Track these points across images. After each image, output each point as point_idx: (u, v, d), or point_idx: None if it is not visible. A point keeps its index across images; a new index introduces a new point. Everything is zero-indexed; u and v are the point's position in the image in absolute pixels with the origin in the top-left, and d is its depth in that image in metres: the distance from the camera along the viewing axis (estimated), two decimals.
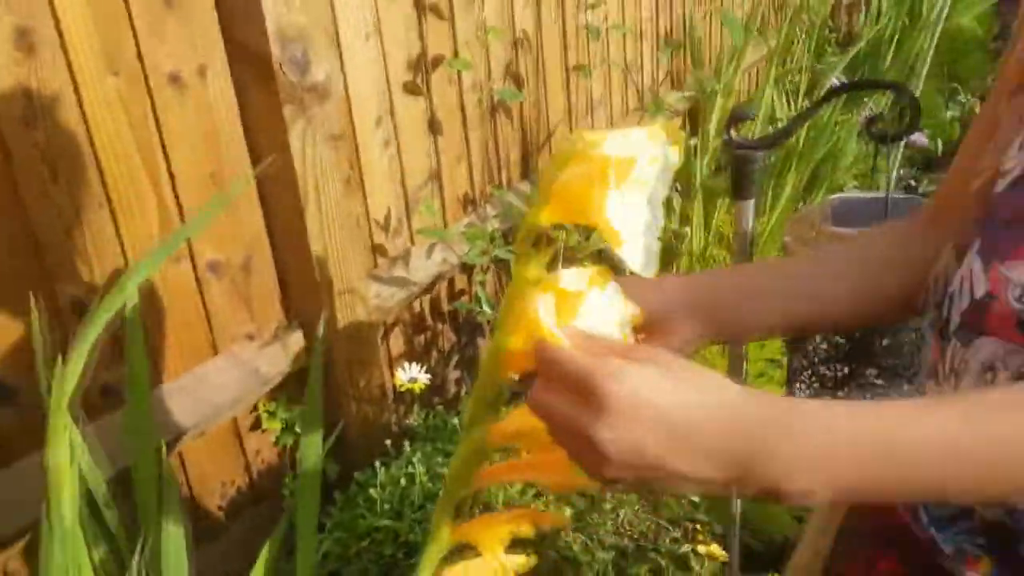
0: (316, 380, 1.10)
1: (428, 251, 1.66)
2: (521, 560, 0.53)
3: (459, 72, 1.68)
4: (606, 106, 2.33)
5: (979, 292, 0.52)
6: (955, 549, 0.56)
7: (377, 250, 1.57)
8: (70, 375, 0.85)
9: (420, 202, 1.63)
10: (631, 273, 0.46)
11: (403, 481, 1.33)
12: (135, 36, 1.10)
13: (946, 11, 2.06)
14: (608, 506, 1.30)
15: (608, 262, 0.51)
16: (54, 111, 1.03)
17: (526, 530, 0.52)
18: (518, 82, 1.91)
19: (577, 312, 0.45)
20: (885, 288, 0.63)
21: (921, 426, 0.42)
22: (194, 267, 1.23)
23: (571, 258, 1.61)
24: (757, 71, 3.18)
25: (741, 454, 0.41)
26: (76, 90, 1.05)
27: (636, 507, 1.30)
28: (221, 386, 1.26)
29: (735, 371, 1.26)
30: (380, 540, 1.26)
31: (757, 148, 0.98)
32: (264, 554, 1.04)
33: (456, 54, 1.68)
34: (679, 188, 2.19)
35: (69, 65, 1.03)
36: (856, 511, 0.67)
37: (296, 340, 1.39)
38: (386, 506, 1.28)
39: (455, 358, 1.84)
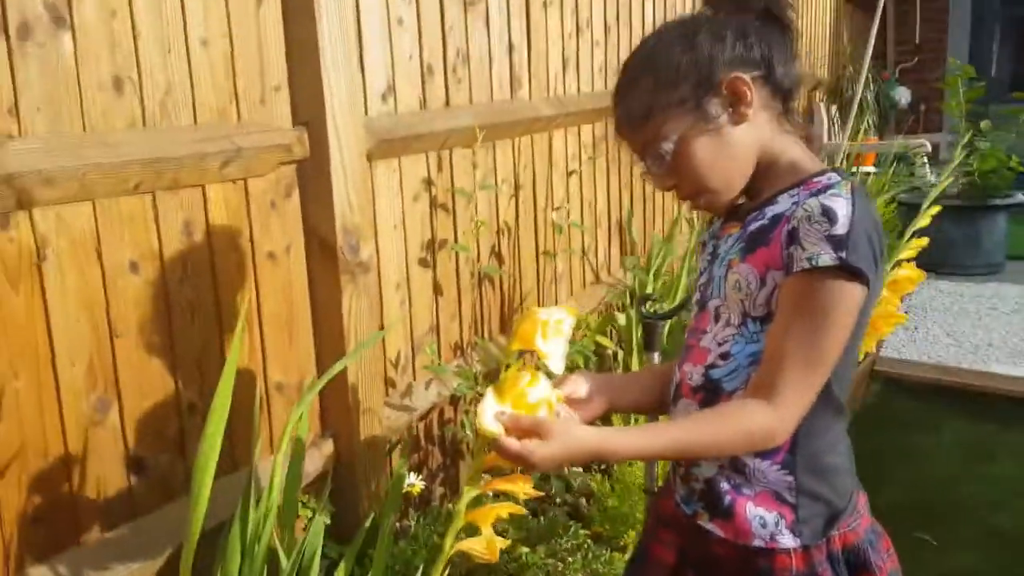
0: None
1: (426, 384, 2.16)
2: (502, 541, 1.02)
3: (457, 252, 2.25)
4: (567, 280, 2.91)
5: (676, 380, 1.10)
6: (692, 512, 1.09)
7: (389, 382, 2.06)
8: (208, 457, 1.30)
9: (423, 347, 2.15)
10: (553, 374, 1.00)
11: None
12: (251, 227, 1.65)
13: None
14: None
15: (544, 369, 1.03)
16: (198, 273, 1.55)
17: (504, 511, 1.00)
18: (500, 260, 2.49)
19: (536, 381, 0.97)
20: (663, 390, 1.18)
21: (663, 440, 0.97)
22: (265, 386, 1.72)
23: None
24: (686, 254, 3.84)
25: (587, 457, 0.95)
26: (212, 259, 1.58)
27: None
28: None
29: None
30: None
31: (659, 319, 1.53)
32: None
33: (456, 239, 2.25)
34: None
35: (210, 243, 1.57)
36: (651, 505, 1.19)
37: (328, 447, 1.85)
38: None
39: (440, 475, 2.28)
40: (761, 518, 1.03)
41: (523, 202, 2.58)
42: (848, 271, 0.94)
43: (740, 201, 1.11)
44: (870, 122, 6.51)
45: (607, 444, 0.95)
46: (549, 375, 1.01)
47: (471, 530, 1.09)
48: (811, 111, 5.65)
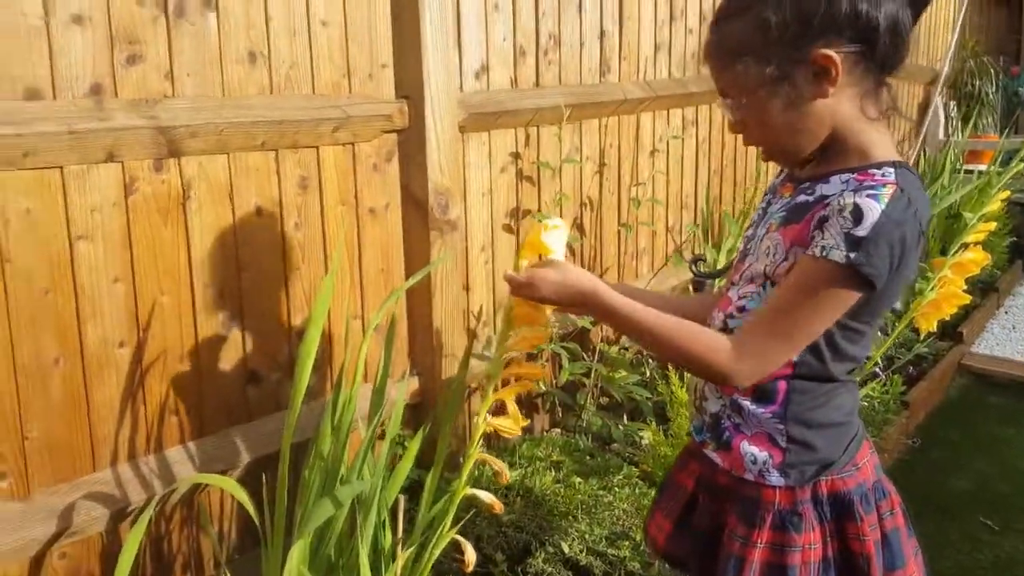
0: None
1: (500, 335, 2.37)
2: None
3: (540, 220, 2.45)
4: (649, 255, 3.06)
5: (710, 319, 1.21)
6: (701, 440, 1.22)
7: (471, 333, 2.30)
8: (304, 365, 1.56)
9: (503, 304, 2.36)
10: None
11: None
12: (356, 185, 1.91)
13: None
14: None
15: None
16: (310, 221, 1.83)
17: (525, 388, 1.22)
18: (582, 232, 2.67)
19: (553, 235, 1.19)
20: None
21: (641, 316, 1.10)
22: (363, 325, 1.98)
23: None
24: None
25: (582, 293, 1.12)
26: (322, 212, 1.85)
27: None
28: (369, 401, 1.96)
29: None
30: None
31: (707, 277, 1.68)
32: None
33: (539, 209, 2.46)
34: None
35: (321, 198, 1.84)
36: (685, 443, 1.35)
37: (414, 383, 2.09)
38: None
39: None
40: (753, 455, 1.12)
41: (607, 179, 2.75)
42: (854, 272, 0.96)
43: (807, 165, 1.12)
44: (992, 119, 6.23)
45: (599, 290, 1.11)
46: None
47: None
48: (927, 105, 5.49)
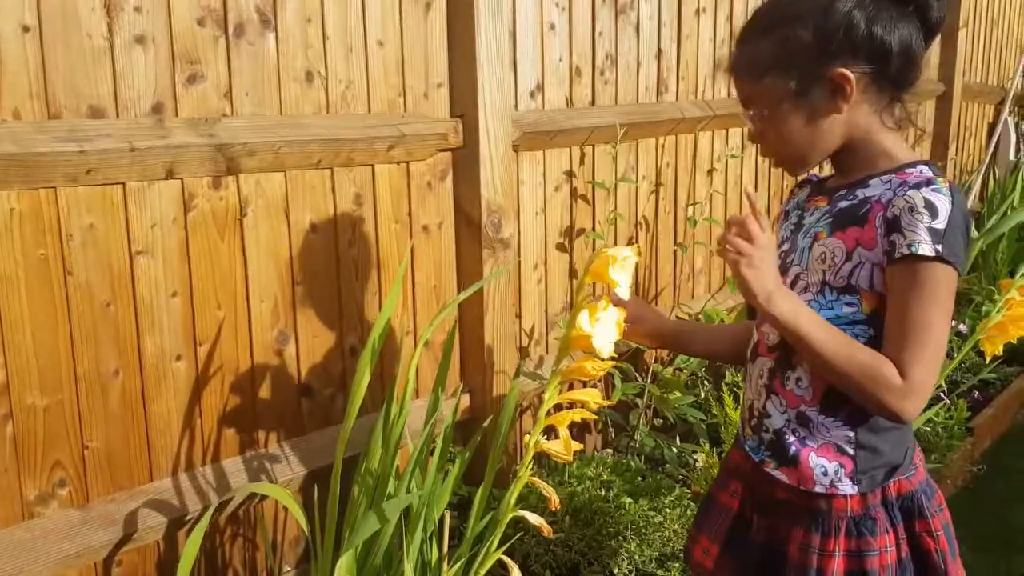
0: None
1: (556, 359, 2.34)
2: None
3: (594, 239, 2.43)
4: (706, 276, 3.00)
5: (755, 339, 1.22)
6: (760, 459, 1.20)
7: (522, 352, 2.28)
8: (360, 381, 1.57)
9: (555, 324, 2.34)
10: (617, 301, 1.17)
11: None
12: (409, 203, 1.92)
13: None
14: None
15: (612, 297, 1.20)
16: (363, 239, 1.84)
17: (578, 416, 1.18)
18: (636, 252, 2.63)
19: (607, 308, 1.15)
20: (739, 345, 1.32)
21: (819, 327, 1.07)
22: (415, 341, 1.98)
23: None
24: None
25: (772, 279, 1.07)
26: (376, 228, 1.86)
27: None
28: (420, 417, 1.96)
29: None
30: None
31: None
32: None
33: (594, 228, 2.43)
34: None
35: (375, 215, 1.85)
36: (725, 458, 1.32)
37: (465, 400, 2.08)
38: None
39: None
40: (823, 467, 1.13)
41: (663, 199, 2.72)
42: (942, 262, 1.02)
43: (822, 175, 1.23)
44: None
45: (782, 288, 1.08)
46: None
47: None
48: (996, 124, 5.29)
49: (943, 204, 1.02)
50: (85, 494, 1.48)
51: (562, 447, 1.30)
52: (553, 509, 1.41)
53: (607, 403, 1.37)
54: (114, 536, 1.48)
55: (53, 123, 1.37)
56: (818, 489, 1.13)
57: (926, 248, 1.01)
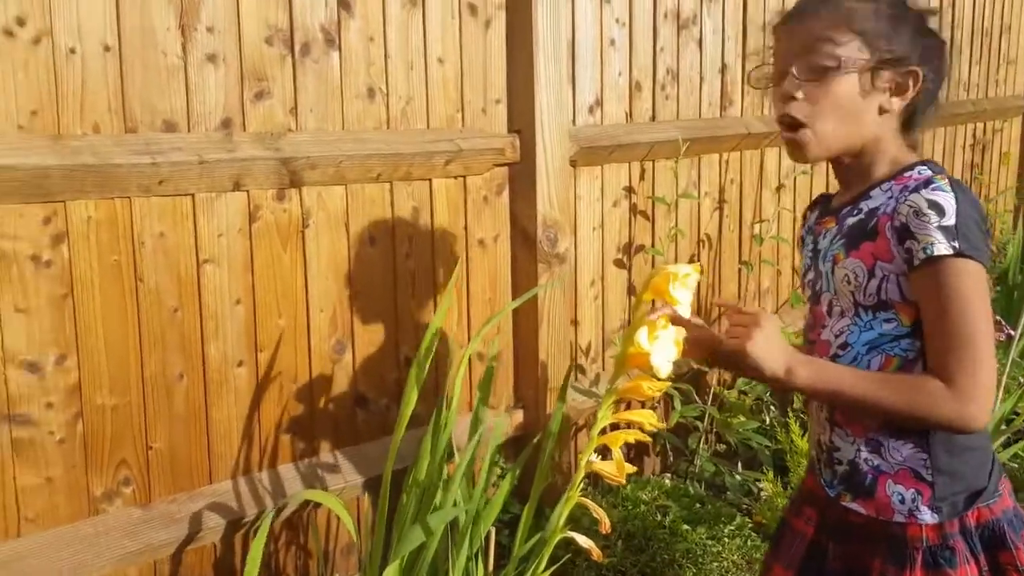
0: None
1: (611, 377, 2.32)
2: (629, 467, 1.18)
3: (653, 256, 2.40)
4: (773, 295, 2.93)
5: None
6: (836, 493, 1.14)
7: (579, 369, 2.27)
8: (409, 396, 1.58)
9: (612, 341, 2.32)
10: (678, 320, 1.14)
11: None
12: (466, 217, 1.95)
13: None
14: None
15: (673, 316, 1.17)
16: (420, 251, 1.87)
17: (631, 437, 1.16)
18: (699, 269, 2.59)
19: (667, 326, 1.12)
20: None
21: (845, 377, 1.03)
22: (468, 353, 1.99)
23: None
24: None
25: (783, 356, 1.03)
26: (432, 241, 1.89)
27: None
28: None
29: None
30: None
31: None
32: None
33: (653, 244, 2.41)
34: None
35: (432, 228, 1.88)
36: (799, 483, 1.24)
37: (518, 415, 2.08)
38: None
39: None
40: (900, 495, 1.08)
41: (727, 215, 2.67)
42: (963, 257, 0.98)
43: (834, 196, 1.19)
44: None
45: (796, 355, 1.04)
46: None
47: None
48: None
49: (947, 201, 0.99)
50: (147, 493, 1.54)
51: (615, 469, 1.28)
52: (604, 532, 1.39)
53: (663, 426, 1.33)
54: (174, 535, 1.53)
55: (129, 136, 1.45)
56: (897, 519, 1.08)
57: (942, 248, 0.98)
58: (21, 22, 1.32)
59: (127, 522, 1.50)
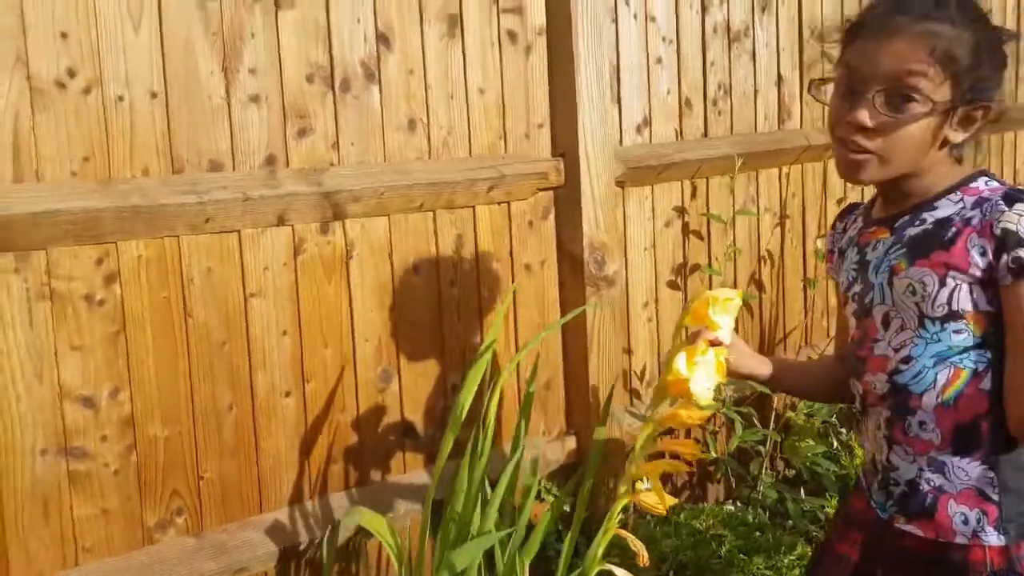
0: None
1: (651, 404, 2.27)
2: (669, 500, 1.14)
3: (710, 275, 2.34)
4: None
5: (860, 391, 1.14)
6: (888, 516, 1.09)
7: (633, 393, 2.22)
8: (455, 422, 1.58)
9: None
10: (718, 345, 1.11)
11: None
12: (511, 243, 1.94)
13: None
14: None
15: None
16: (464, 279, 1.88)
17: (671, 468, 1.12)
18: (760, 288, 2.52)
19: (706, 352, 1.09)
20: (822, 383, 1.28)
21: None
22: (517, 379, 1.98)
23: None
24: None
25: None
26: (477, 267, 1.89)
27: None
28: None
29: None
30: None
31: None
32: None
33: (709, 264, 2.35)
34: None
35: (476, 254, 1.88)
36: (841, 505, 1.20)
37: (571, 443, 2.05)
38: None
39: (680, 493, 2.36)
40: (963, 515, 1.03)
41: (789, 231, 2.58)
42: None
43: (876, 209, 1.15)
44: None
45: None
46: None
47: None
48: None
49: None
50: (200, 522, 1.58)
51: (655, 499, 1.25)
52: (643, 564, 1.34)
53: (706, 455, 1.29)
54: (225, 565, 1.56)
55: (176, 177, 1.50)
56: (959, 540, 1.03)
57: None
58: (72, 73, 1.40)
59: (180, 551, 1.54)
